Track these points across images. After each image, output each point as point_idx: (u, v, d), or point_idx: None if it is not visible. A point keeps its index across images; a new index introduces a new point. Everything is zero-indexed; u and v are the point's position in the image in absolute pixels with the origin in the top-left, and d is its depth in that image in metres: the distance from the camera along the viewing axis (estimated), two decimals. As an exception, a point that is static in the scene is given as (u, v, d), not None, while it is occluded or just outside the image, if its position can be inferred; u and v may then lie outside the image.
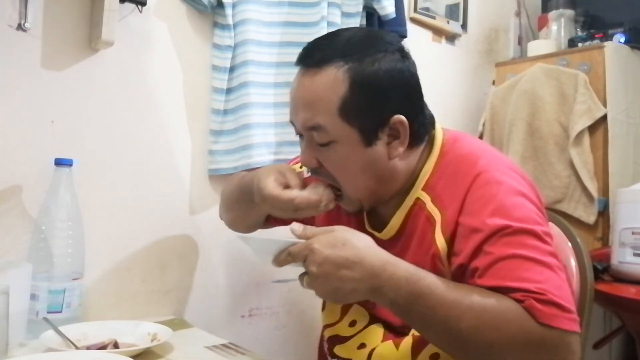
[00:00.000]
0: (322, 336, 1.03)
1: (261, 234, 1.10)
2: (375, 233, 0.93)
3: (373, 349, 0.90)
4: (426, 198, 0.87)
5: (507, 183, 0.81)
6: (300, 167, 1.05)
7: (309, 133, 0.86)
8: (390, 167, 0.87)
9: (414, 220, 0.88)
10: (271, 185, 0.91)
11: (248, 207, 1.05)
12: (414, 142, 0.87)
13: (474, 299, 0.72)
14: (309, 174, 1.01)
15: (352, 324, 0.95)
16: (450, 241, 0.82)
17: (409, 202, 0.89)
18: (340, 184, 0.88)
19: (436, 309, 0.72)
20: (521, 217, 0.77)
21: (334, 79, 0.82)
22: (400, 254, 0.87)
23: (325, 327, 1.01)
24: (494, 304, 0.71)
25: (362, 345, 0.92)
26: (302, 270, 0.77)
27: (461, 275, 0.79)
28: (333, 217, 1.01)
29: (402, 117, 0.84)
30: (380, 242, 0.91)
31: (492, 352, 0.71)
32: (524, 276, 0.72)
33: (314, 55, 0.85)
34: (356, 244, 0.74)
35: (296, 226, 0.78)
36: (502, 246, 0.75)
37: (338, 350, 0.96)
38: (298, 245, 0.75)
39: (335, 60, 0.83)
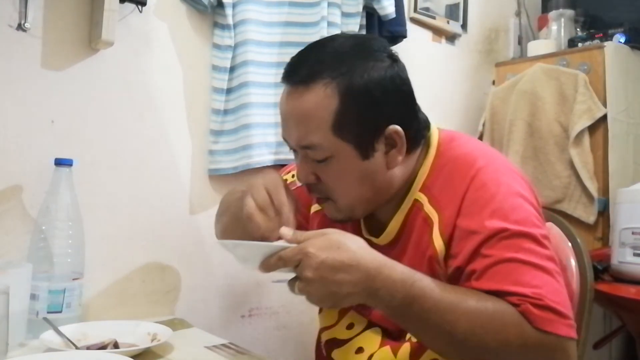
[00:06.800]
0: (319, 339, 1.02)
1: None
2: (372, 239, 0.91)
3: (371, 355, 0.89)
4: (424, 199, 0.85)
5: (505, 184, 0.80)
6: (292, 177, 1.02)
7: (304, 151, 0.84)
8: (389, 176, 0.85)
9: (412, 222, 0.86)
10: (250, 206, 0.84)
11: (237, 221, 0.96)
12: (410, 148, 0.86)
13: (470, 302, 0.71)
14: (300, 184, 0.97)
15: (350, 326, 0.94)
16: (448, 243, 0.80)
17: (407, 204, 0.87)
18: (337, 196, 0.86)
19: (431, 312, 0.71)
20: (519, 220, 0.76)
21: (323, 96, 0.79)
22: (398, 258, 0.85)
23: (322, 329, 1.00)
24: (490, 307, 0.71)
25: (359, 350, 0.91)
26: (291, 275, 0.74)
27: (457, 278, 0.78)
28: (327, 224, 0.98)
29: (397, 127, 0.82)
30: (377, 248, 0.89)
31: (488, 355, 0.71)
32: (521, 280, 0.72)
33: (300, 72, 0.81)
34: (351, 247, 0.71)
35: (286, 230, 0.75)
36: (500, 249, 0.74)
37: (336, 354, 0.94)
38: (290, 249, 0.72)
39: (323, 75, 0.80)
